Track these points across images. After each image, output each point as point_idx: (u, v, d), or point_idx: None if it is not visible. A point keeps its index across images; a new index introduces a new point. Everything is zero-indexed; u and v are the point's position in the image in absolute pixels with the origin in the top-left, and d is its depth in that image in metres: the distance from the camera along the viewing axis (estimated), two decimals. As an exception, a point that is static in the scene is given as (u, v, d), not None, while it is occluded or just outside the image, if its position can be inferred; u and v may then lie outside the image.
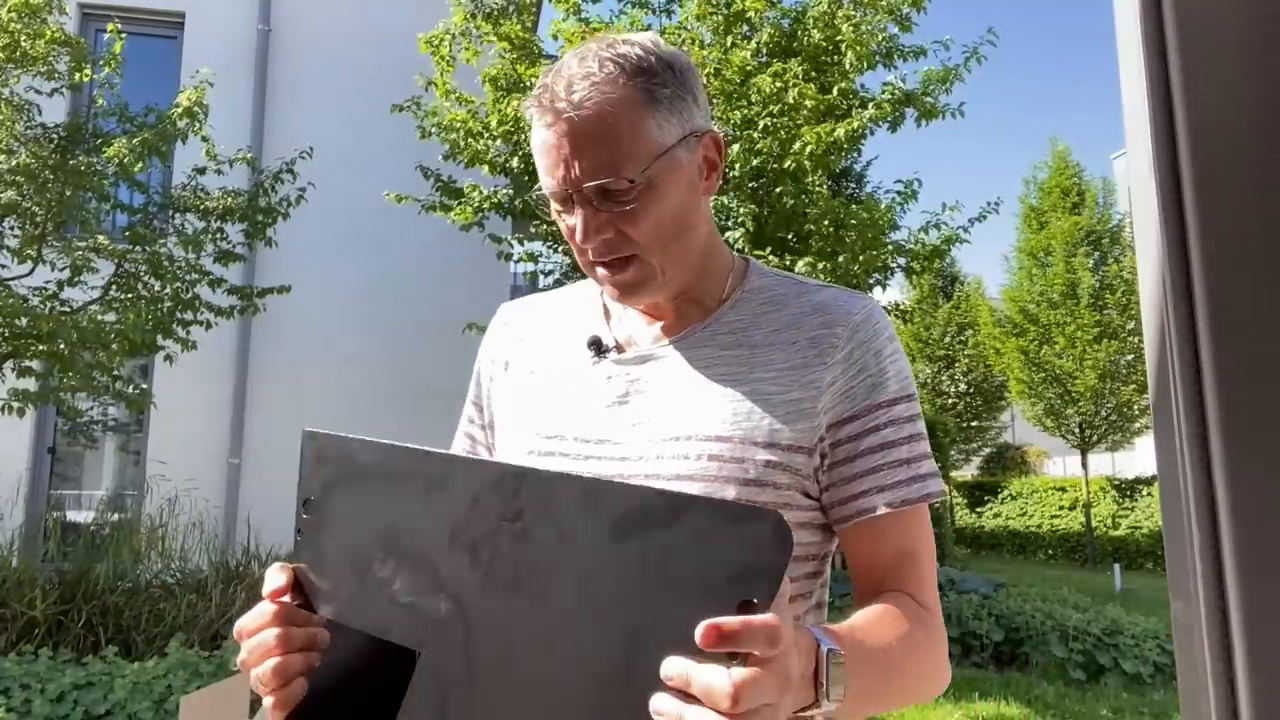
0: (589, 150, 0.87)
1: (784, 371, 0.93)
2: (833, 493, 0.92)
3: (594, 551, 0.63)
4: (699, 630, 0.55)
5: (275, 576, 0.76)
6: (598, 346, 1.00)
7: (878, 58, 6.31)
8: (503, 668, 0.65)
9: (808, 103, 5.70)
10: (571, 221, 0.91)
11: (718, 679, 0.55)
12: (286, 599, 0.75)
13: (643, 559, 0.61)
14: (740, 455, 0.89)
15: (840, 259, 5.82)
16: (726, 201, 5.90)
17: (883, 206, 6.22)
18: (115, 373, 6.00)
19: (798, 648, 0.62)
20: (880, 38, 6.20)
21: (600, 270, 0.94)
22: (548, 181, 0.90)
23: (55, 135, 5.98)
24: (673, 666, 0.57)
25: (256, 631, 0.73)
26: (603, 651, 0.61)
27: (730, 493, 0.87)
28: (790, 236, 6.28)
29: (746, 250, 5.74)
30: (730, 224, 5.95)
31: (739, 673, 0.56)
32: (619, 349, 1.00)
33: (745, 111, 5.94)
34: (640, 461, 0.91)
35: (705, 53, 6.02)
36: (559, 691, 0.62)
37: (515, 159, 6.59)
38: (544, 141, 0.89)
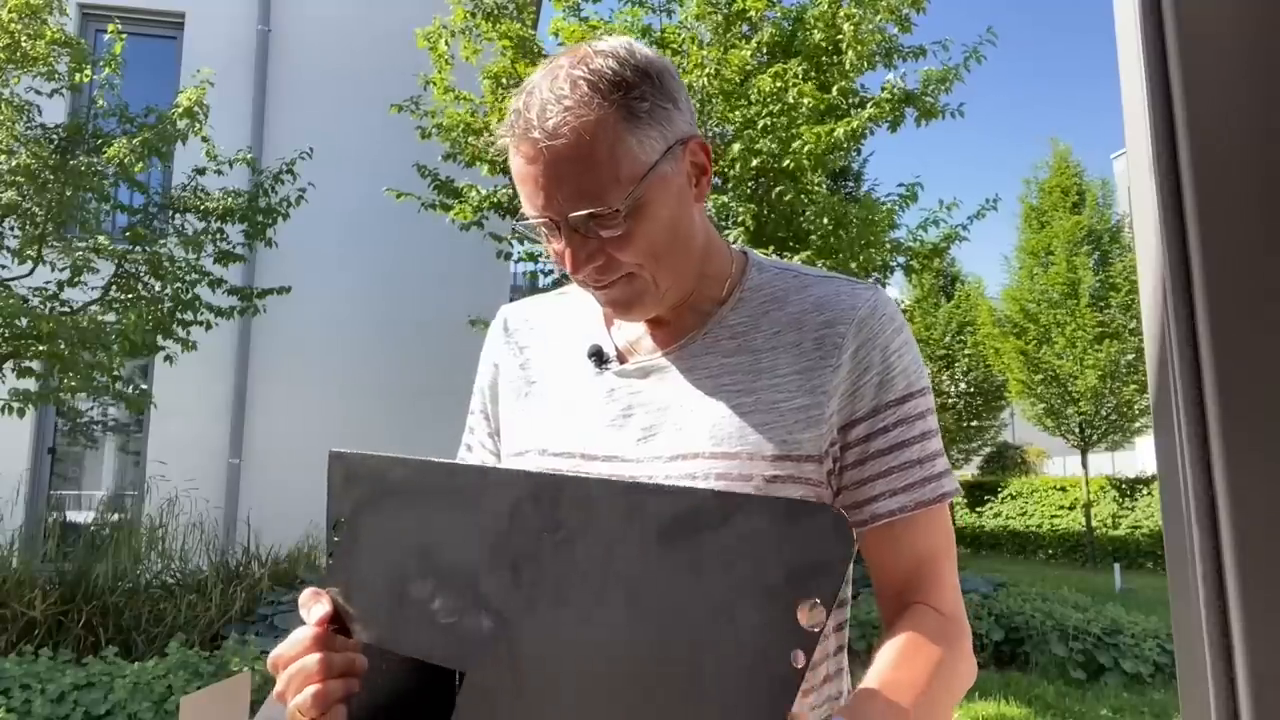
0: (570, 180, 0.82)
1: (789, 377, 0.89)
2: (845, 497, 0.89)
3: (642, 558, 0.61)
4: None
5: (317, 605, 0.73)
6: (599, 357, 0.97)
7: (877, 57, 6.31)
8: (551, 681, 0.63)
9: (807, 102, 5.70)
10: (559, 247, 0.87)
11: None
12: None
13: (694, 563, 0.59)
14: (749, 471, 0.86)
15: (839, 257, 5.83)
16: (727, 201, 5.90)
17: (884, 208, 6.23)
18: (115, 373, 5.99)
19: None
20: (880, 38, 6.20)
21: (594, 290, 0.91)
22: (530, 210, 0.86)
23: (55, 136, 5.97)
24: None
25: (295, 659, 0.71)
26: (655, 658, 0.59)
27: None
28: (789, 235, 6.28)
29: (746, 250, 5.74)
30: (730, 223, 5.95)
31: None
32: (620, 358, 0.97)
33: (745, 111, 5.94)
34: (649, 480, 0.87)
35: (705, 52, 6.01)
36: (610, 701, 0.60)
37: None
38: (521, 171, 0.84)
